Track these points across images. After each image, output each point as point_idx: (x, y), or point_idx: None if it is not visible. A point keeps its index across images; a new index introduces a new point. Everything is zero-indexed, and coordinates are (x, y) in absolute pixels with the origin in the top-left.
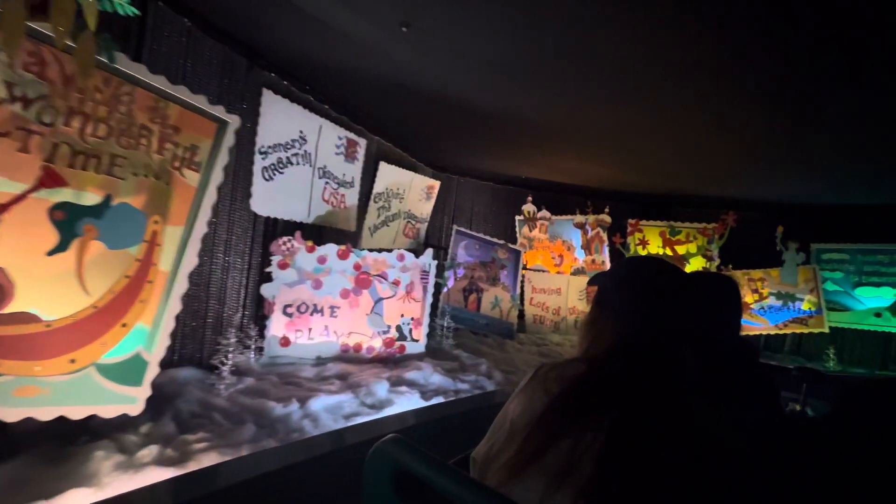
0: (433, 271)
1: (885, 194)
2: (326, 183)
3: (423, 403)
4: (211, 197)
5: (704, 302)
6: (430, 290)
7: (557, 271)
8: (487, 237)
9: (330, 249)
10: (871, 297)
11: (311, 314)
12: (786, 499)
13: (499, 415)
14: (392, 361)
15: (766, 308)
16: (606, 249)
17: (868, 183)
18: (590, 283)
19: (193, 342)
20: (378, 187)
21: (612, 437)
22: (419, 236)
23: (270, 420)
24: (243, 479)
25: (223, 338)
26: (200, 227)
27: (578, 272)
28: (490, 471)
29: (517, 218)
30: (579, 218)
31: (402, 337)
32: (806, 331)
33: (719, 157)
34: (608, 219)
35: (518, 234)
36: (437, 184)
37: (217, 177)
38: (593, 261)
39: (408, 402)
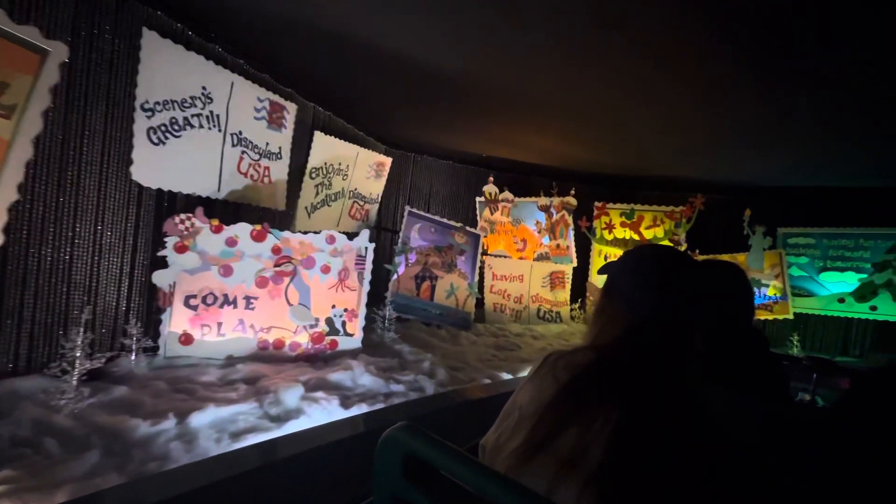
0: (370, 255)
1: (851, 176)
2: (243, 152)
3: (339, 414)
4: (23, 152)
5: (714, 291)
6: (368, 276)
7: (520, 257)
8: (444, 220)
9: (241, 230)
10: (835, 283)
11: (222, 306)
12: (794, 488)
13: (508, 403)
14: (321, 359)
15: None
16: (572, 233)
17: (834, 164)
18: (600, 271)
19: (46, 344)
20: (314, 161)
21: (621, 425)
22: (369, 218)
23: (127, 444)
24: (250, 468)
25: (66, 339)
26: (8, 193)
27: (542, 258)
28: (499, 458)
29: (478, 200)
30: (544, 200)
31: (333, 331)
32: (771, 317)
33: (686, 135)
34: (574, 201)
35: (479, 218)
36: (387, 160)
37: (33, 125)
38: (558, 246)
39: (321, 412)
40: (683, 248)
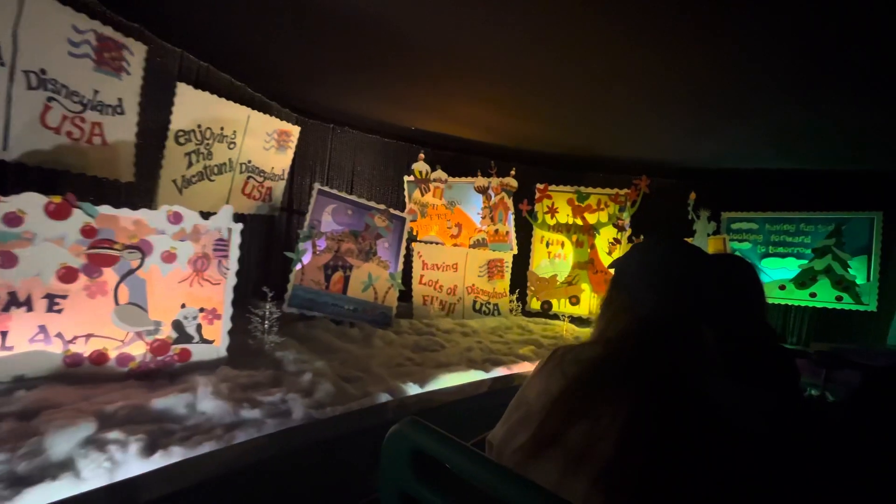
0: (236, 238)
1: (793, 158)
2: (51, 99)
3: (132, 466)
4: None
5: (724, 284)
6: (234, 266)
7: (454, 243)
8: (363, 201)
9: (29, 202)
10: (776, 269)
11: (7, 309)
12: (803, 482)
13: (515, 397)
14: (167, 375)
15: None
16: (512, 218)
17: (777, 145)
18: (610, 266)
19: None
20: (180, 122)
21: (630, 420)
22: (271, 198)
23: None
24: (249, 462)
25: None
26: None
27: (479, 244)
28: (507, 453)
29: (406, 179)
30: (481, 181)
31: (183, 337)
32: None
33: (628, 109)
34: (514, 183)
35: (407, 199)
36: (293, 129)
37: None
38: (496, 231)
39: (102, 467)
40: (628, 232)
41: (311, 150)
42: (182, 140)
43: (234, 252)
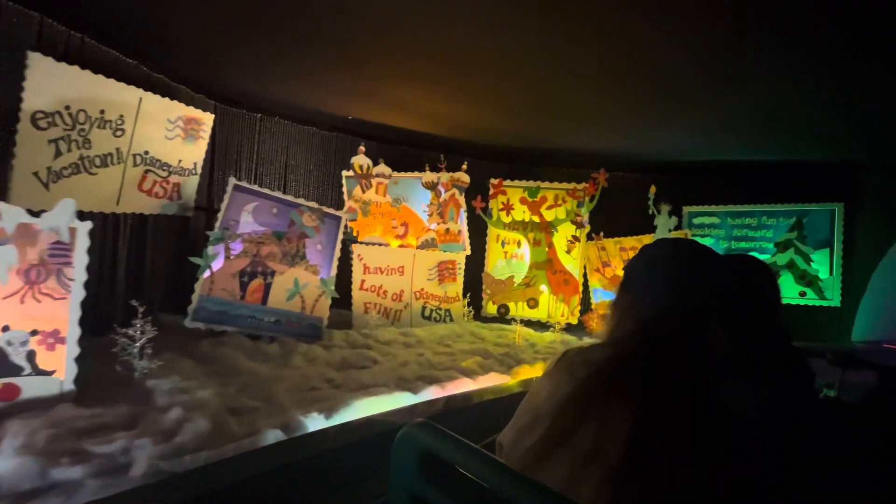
0: (82, 242)
1: (753, 148)
2: None
3: None
4: None
5: (735, 284)
6: (80, 276)
7: (401, 244)
8: (289, 197)
9: None
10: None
11: None
12: (817, 486)
13: (524, 399)
14: None
15: None
16: (464, 216)
17: (735, 132)
18: (624, 268)
19: None
20: (38, 101)
21: (639, 422)
22: (181, 196)
23: None
24: (258, 473)
25: None
26: None
27: (428, 245)
28: (516, 455)
29: (344, 174)
30: (430, 176)
31: (7, 369)
32: None
33: (581, 97)
34: (466, 178)
35: (346, 197)
36: (205, 117)
37: None
38: (447, 230)
39: None
40: (587, 229)
41: (235, 142)
42: (42, 123)
43: (81, 259)
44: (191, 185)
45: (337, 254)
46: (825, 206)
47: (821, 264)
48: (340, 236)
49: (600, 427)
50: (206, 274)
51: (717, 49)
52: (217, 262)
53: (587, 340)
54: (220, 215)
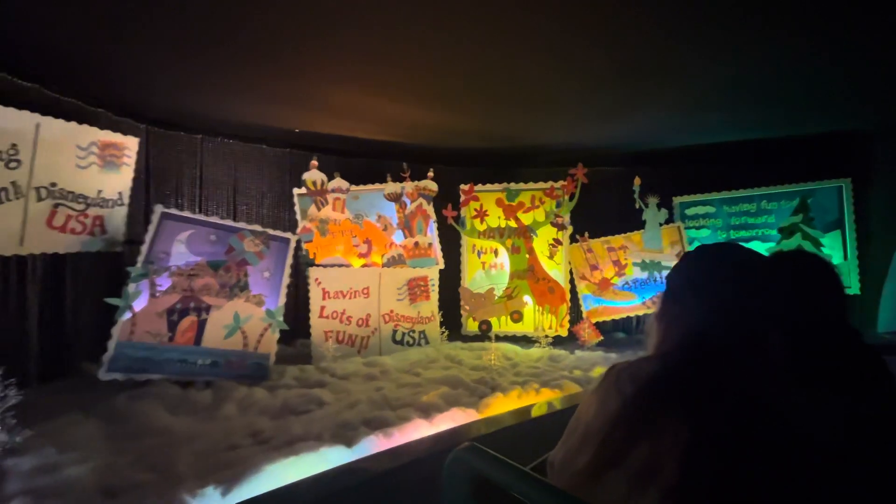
0: None
1: (741, 126)
2: None
3: None
4: None
5: (789, 284)
6: None
7: (364, 264)
8: (227, 222)
9: None
10: None
11: None
12: (886, 500)
13: (573, 418)
14: None
15: (631, 283)
16: (434, 227)
17: (720, 113)
18: (666, 277)
19: None
20: None
21: (695, 439)
22: (105, 230)
23: None
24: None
25: None
26: None
27: (395, 262)
28: (568, 475)
29: (296, 192)
30: (392, 187)
31: None
32: None
33: (548, 86)
34: (433, 186)
35: (299, 216)
36: (127, 141)
37: None
38: (416, 244)
39: None
40: (569, 230)
41: (173, 167)
42: None
43: None
44: (117, 217)
45: (286, 280)
46: (831, 184)
47: (833, 249)
48: (290, 260)
49: (654, 445)
50: (126, 316)
51: (682, 14)
52: (140, 302)
53: (579, 353)
54: (143, 248)
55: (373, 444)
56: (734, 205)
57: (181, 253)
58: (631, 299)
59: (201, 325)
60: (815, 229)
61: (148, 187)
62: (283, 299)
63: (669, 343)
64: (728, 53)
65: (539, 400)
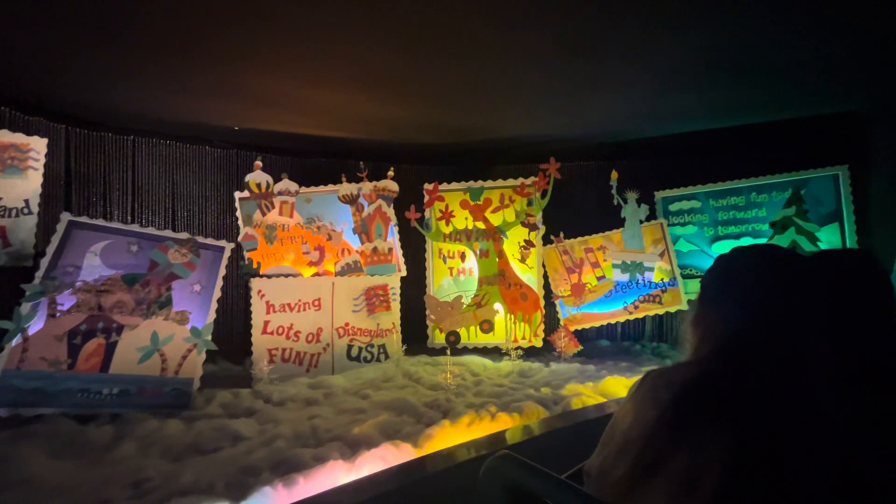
0: None
1: (727, 112)
2: None
3: None
4: None
5: (833, 285)
6: None
7: (315, 272)
8: (149, 230)
9: None
10: None
11: None
12: None
13: (608, 425)
14: None
15: (613, 287)
16: (395, 230)
17: (699, 94)
18: (701, 281)
19: None
20: None
21: (737, 449)
22: (9, 242)
23: None
24: None
25: None
26: None
27: (350, 269)
28: (605, 484)
29: (238, 197)
30: (347, 188)
31: None
32: (661, 310)
33: (509, 70)
34: (394, 186)
35: (241, 222)
36: (33, 142)
37: None
38: (375, 249)
39: None
40: (542, 231)
41: (99, 172)
42: None
43: None
44: (24, 227)
45: (217, 293)
46: (826, 172)
47: (830, 243)
48: (223, 271)
49: (694, 454)
50: (16, 341)
51: None
52: (35, 324)
53: (554, 366)
54: (44, 261)
55: (268, 499)
56: (721, 198)
57: (94, 266)
58: (608, 288)
59: (110, 349)
60: (811, 223)
61: (69, 194)
62: (212, 315)
63: (706, 349)
64: (691, 24)
65: (495, 428)
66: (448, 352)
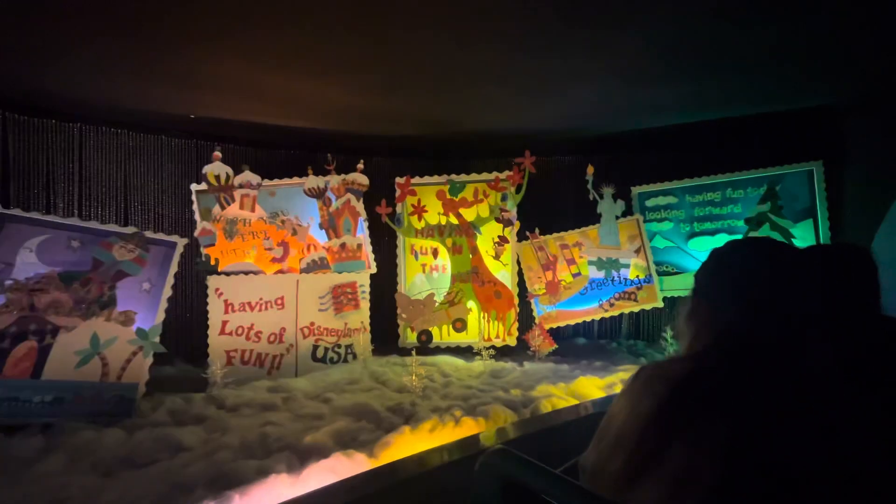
0: None
1: (704, 107)
2: None
3: None
4: None
5: (826, 278)
6: None
7: (279, 269)
8: (92, 224)
9: None
10: (707, 251)
11: None
12: None
13: (604, 419)
14: None
15: (587, 284)
16: (364, 226)
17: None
18: (695, 276)
19: None
20: None
21: (734, 441)
22: None
23: None
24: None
25: None
26: None
27: (316, 266)
28: (601, 479)
29: (195, 189)
30: (314, 181)
31: None
32: (636, 308)
33: (479, 57)
34: (363, 179)
35: (198, 217)
36: None
37: None
38: (343, 245)
39: None
40: (516, 227)
41: (42, 162)
42: None
43: None
44: None
45: (167, 291)
46: (800, 168)
47: (804, 240)
48: (174, 268)
49: (690, 448)
50: None
51: None
52: None
53: (528, 366)
54: None
55: None
56: (697, 194)
57: (30, 263)
58: (583, 284)
59: (43, 353)
60: (785, 219)
61: (6, 185)
62: (161, 316)
63: (702, 343)
64: (651, 9)
65: (458, 433)
66: (413, 352)
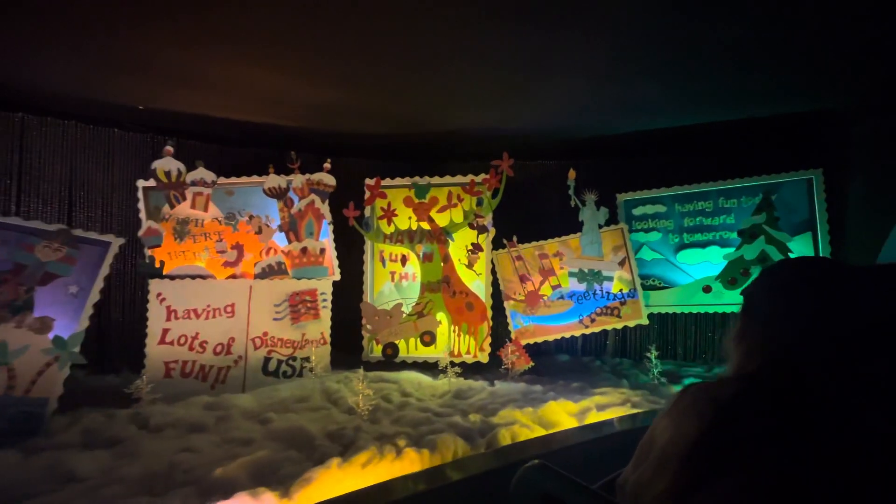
0: None
1: (696, 110)
2: None
3: None
4: None
5: (888, 301)
6: None
7: (232, 274)
8: (14, 220)
9: None
10: (697, 265)
11: None
12: None
13: (644, 438)
14: None
15: (566, 296)
16: (329, 229)
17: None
18: (742, 291)
19: None
20: None
21: (789, 471)
22: None
23: None
24: None
25: None
26: None
27: (272, 271)
28: (642, 499)
29: (142, 186)
30: (275, 180)
31: None
32: (619, 325)
33: (451, 46)
34: (330, 180)
35: (145, 215)
36: None
37: None
38: (304, 250)
39: None
40: (492, 233)
41: None
42: None
43: None
44: None
45: (95, 297)
46: (798, 176)
47: (802, 254)
48: (105, 270)
49: (740, 477)
50: None
51: None
52: None
53: (499, 385)
54: None
55: None
56: (688, 202)
57: None
58: (567, 307)
59: None
60: (781, 231)
61: None
62: (84, 323)
63: (753, 365)
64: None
65: (398, 469)
66: (361, 368)
